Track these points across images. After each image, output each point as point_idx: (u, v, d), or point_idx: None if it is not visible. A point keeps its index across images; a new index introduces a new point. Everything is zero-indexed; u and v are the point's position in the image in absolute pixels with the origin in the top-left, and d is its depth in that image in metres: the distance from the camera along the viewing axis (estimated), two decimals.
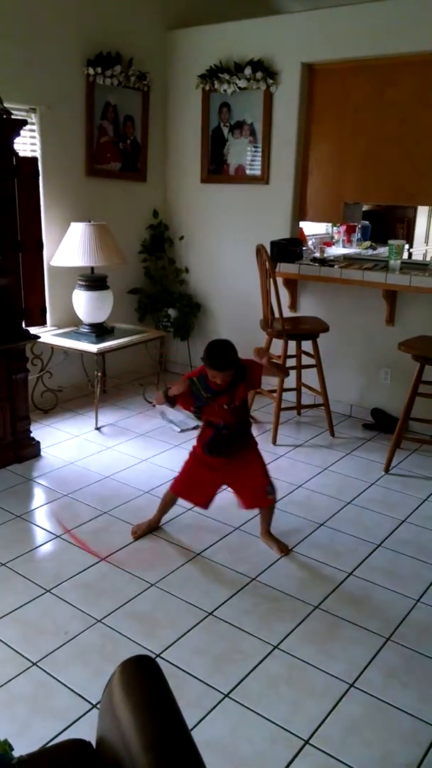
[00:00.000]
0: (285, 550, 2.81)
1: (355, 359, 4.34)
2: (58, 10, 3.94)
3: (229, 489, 2.88)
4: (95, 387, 4.19)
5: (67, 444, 3.89)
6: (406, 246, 6.20)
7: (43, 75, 3.94)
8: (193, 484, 2.84)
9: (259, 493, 2.79)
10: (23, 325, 3.50)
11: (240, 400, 2.68)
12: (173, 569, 2.68)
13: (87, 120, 4.27)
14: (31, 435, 3.68)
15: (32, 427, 3.74)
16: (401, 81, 3.88)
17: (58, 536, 2.91)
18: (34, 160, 3.35)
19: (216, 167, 4.67)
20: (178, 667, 2.15)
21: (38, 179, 3.38)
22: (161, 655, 2.19)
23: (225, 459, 2.75)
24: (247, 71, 4.26)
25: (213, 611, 2.43)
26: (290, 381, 4.19)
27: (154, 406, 4.48)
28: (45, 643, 2.25)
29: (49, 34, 3.92)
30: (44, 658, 2.18)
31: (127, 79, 4.39)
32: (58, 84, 4.04)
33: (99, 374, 4.22)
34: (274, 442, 3.97)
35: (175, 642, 2.27)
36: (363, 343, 4.29)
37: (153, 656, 2.19)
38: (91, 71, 4.15)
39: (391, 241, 3.94)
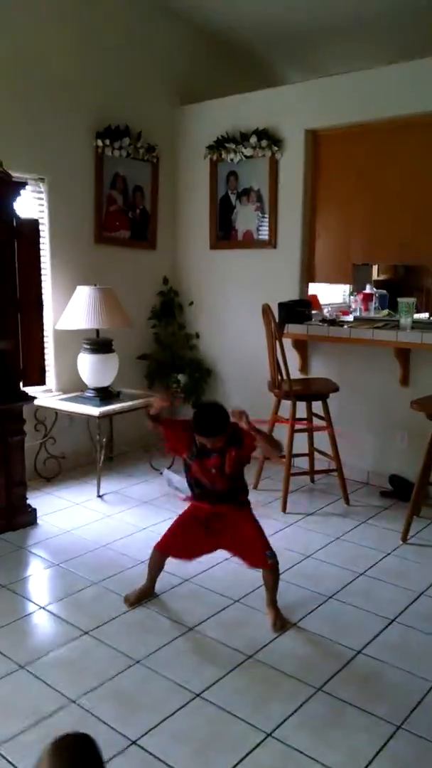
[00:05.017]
0: (279, 627, 2.53)
1: (370, 423, 4.15)
2: (69, 85, 4.08)
3: (229, 554, 2.67)
4: (98, 453, 4.05)
5: (66, 512, 3.72)
6: (427, 315, 6.09)
7: (53, 146, 4.05)
8: (180, 540, 2.68)
9: (257, 554, 2.58)
10: (21, 385, 3.42)
11: (231, 467, 2.51)
12: (162, 645, 2.44)
13: (96, 189, 4.34)
14: (27, 502, 3.53)
15: (32, 495, 3.60)
16: (404, 142, 3.88)
17: (42, 607, 2.70)
18: (35, 221, 3.36)
19: (224, 233, 4.68)
20: (155, 756, 1.88)
21: (39, 240, 3.39)
22: (137, 742, 1.93)
23: (211, 507, 2.58)
24: (253, 140, 4.33)
25: (201, 692, 2.17)
26: (301, 445, 4.00)
27: (161, 473, 4.31)
28: (11, 724, 2.01)
29: (60, 107, 4.05)
30: (8, 741, 1.94)
31: (136, 151, 4.49)
32: (68, 154, 4.14)
33: (104, 440, 4.09)
34: (284, 510, 3.74)
35: (155, 727, 2.00)
36: (378, 406, 4.10)
37: (128, 743, 1.93)
38: (100, 143, 4.26)
39: (400, 299, 3.83)
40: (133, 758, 1.88)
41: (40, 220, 4.07)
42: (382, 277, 7.04)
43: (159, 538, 2.76)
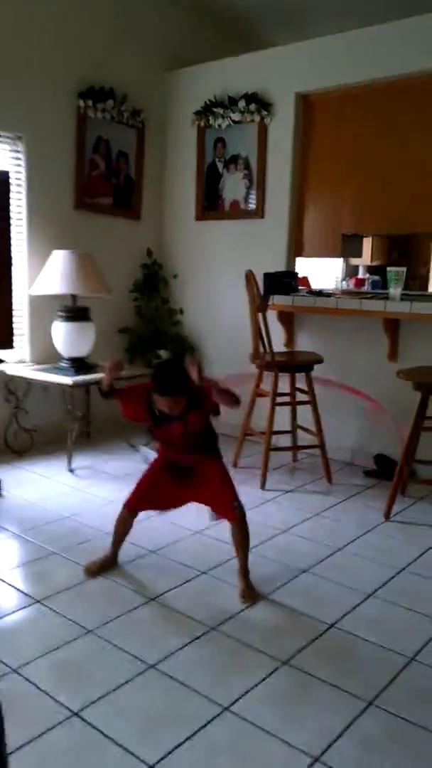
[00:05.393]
0: (247, 599, 2.35)
1: (355, 400, 3.96)
2: (50, 41, 3.89)
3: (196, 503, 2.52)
4: (71, 425, 3.85)
5: (34, 485, 3.53)
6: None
7: (32, 102, 3.85)
8: (151, 494, 2.51)
9: (223, 505, 2.43)
10: None
11: (196, 426, 2.34)
12: (119, 614, 2.25)
13: (77, 152, 4.15)
14: None
15: (1, 468, 3.41)
16: (398, 105, 3.71)
17: None
18: (4, 173, 3.18)
19: (210, 203, 4.50)
20: (99, 730, 1.69)
21: (8, 195, 3.20)
22: (79, 713, 1.74)
23: (182, 454, 2.44)
24: (241, 104, 4.16)
25: (156, 664, 1.98)
26: (284, 422, 3.83)
27: (137, 450, 4.13)
28: None
29: (40, 63, 3.86)
30: None
31: (121, 114, 4.31)
32: (48, 113, 3.95)
33: (77, 412, 3.90)
34: (263, 486, 3.56)
35: (101, 698, 1.81)
36: (364, 382, 3.91)
37: (69, 713, 1.74)
38: (82, 104, 4.08)
39: (390, 268, 3.64)
40: (72, 730, 1.69)
41: (18, 182, 3.90)
42: (374, 263, 6.87)
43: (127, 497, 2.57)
